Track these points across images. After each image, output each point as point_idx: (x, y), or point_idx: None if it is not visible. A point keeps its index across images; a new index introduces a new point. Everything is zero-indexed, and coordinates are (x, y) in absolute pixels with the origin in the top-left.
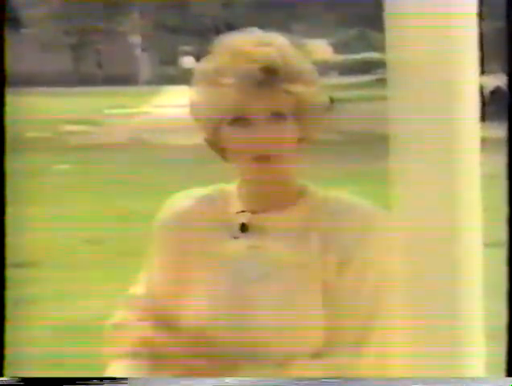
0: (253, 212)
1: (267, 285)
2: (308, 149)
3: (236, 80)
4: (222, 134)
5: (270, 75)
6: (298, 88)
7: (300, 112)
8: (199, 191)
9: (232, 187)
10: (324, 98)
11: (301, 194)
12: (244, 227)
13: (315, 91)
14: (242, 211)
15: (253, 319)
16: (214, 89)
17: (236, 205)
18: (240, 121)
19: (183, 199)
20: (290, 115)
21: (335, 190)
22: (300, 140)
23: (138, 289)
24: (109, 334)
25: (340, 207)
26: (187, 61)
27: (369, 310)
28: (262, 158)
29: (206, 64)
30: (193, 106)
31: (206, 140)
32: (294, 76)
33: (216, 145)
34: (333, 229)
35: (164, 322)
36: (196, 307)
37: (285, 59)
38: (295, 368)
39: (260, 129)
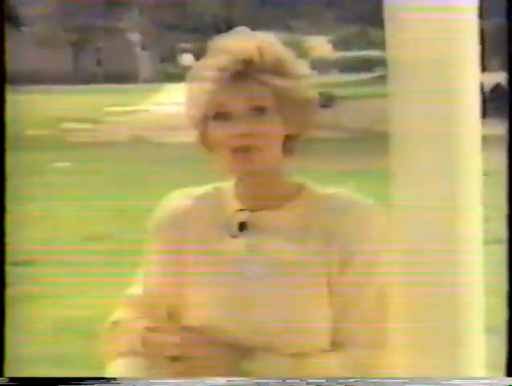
0: (251, 210)
1: (268, 283)
2: (308, 145)
3: (213, 74)
4: (208, 130)
5: (245, 67)
6: (275, 81)
7: (283, 107)
8: (196, 190)
9: (229, 185)
10: (311, 93)
11: (299, 191)
12: (242, 226)
13: (298, 85)
14: (241, 210)
15: (254, 319)
16: (196, 86)
17: (233, 203)
18: (222, 115)
19: (179, 198)
20: (271, 108)
21: (334, 187)
22: (289, 137)
23: (136, 288)
24: (107, 332)
25: (340, 203)
26: (187, 58)
27: (377, 305)
28: (243, 150)
29: (196, 65)
30: (184, 105)
31: (197, 138)
32: (271, 68)
33: (205, 143)
34: (334, 226)
35: (162, 321)
36: (196, 307)
37: (261, 51)
38: (309, 366)
39: (239, 122)
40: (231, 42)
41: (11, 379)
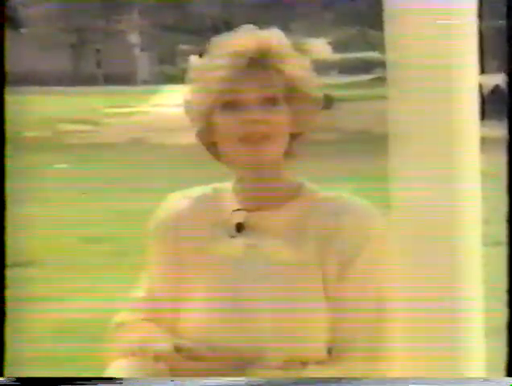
0: (250, 210)
1: (265, 284)
2: (308, 147)
3: (227, 61)
4: (214, 123)
5: (261, 54)
6: (290, 70)
7: (292, 100)
8: (194, 191)
9: (228, 186)
10: (317, 91)
11: (298, 192)
12: (240, 227)
13: (308, 79)
14: (238, 210)
15: (252, 321)
16: (206, 76)
17: (232, 203)
18: (231, 104)
19: (178, 199)
20: (282, 100)
21: (333, 189)
22: (294, 135)
23: (140, 289)
24: (111, 334)
25: (338, 207)
26: (194, 60)
27: (376, 313)
28: (251, 140)
29: (200, 62)
30: (186, 100)
31: (198, 134)
32: (285, 57)
33: (208, 138)
34: (331, 230)
35: (164, 323)
36: (195, 308)
37: (277, 40)
38: (308, 374)
39: (251, 110)
40: (243, 35)
41: (18, 379)
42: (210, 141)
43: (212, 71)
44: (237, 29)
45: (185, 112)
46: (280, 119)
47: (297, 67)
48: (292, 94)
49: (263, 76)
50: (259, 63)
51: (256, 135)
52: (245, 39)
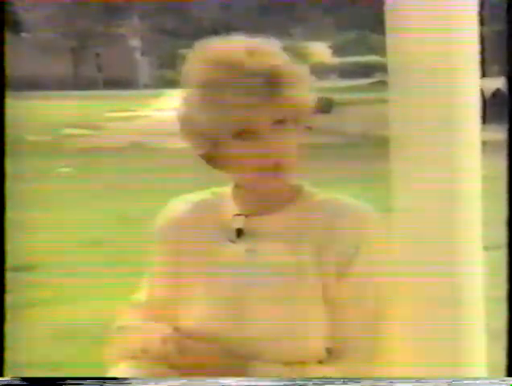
0: (249, 215)
1: (266, 288)
2: (308, 150)
3: (240, 96)
4: (223, 149)
5: (274, 85)
6: (299, 93)
7: (298, 117)
8: (195, 196)
9: (227, 190)
10: (314, 100)
11: (297, 195)
12: (240, 232)
13: (311, 94)
14: (238, 215)
15: (252, 324)
16: (214, 105)
17: (232, 208)
18: (244, 133)
19: (179, 204)
20: (290, 120)
21: (334, 192)
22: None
23: (141, 293)
24: (112, 337)
25: (337, 208)
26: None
27: (375, 314)
28: (268, 169)
29: (197, 75)
30: (186, 122)
31: (203, 156)
32: (294, 81)
33: (216, 161)
34: (330, 231)
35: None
36: (195, 312)
37: (285, 65)
38: (308, 375)
39: (266, 140)
40: (243, 56)
41: (23, 378)
42: (218, 162)
43: (216, 95)
44: (225, 36)
45: (185, 135)
46: (291, 141)
47: (305, 87)
48: (299, 112)
49: (275, 104)
50: (269, 93)
51: (271, 166)
52: (254, 65)
